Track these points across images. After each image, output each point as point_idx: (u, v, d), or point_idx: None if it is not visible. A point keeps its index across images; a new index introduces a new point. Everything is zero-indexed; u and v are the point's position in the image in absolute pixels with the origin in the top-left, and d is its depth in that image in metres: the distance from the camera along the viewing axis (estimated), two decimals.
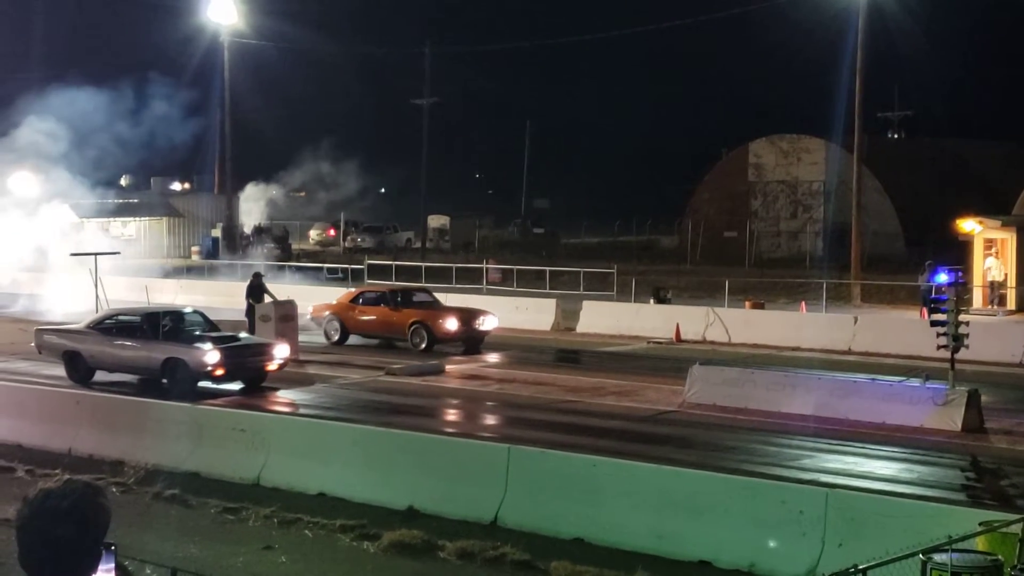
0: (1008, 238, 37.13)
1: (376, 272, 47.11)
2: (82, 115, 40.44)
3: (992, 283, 36.02)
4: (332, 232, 73.91)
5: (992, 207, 42.73)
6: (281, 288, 32.85)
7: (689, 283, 43.70)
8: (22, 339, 28.52)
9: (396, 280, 44.35)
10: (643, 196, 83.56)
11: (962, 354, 19.72)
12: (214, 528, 13.22)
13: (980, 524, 9.65)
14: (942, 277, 20.41)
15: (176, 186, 76.78)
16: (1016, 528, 9.24)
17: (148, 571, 10.35)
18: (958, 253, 37.18)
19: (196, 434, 16.10)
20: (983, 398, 19.09)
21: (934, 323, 19.64)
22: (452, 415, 20.86)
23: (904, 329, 28.69)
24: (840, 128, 50.15)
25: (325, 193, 63.18)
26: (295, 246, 65.93)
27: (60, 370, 23.76)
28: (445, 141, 79.43)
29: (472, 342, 28.45)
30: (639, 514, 12.44)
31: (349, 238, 70.87)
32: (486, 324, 28.71)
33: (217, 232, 62.96)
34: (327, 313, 30.03)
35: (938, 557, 8.40)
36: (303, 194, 67.81)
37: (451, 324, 27.98)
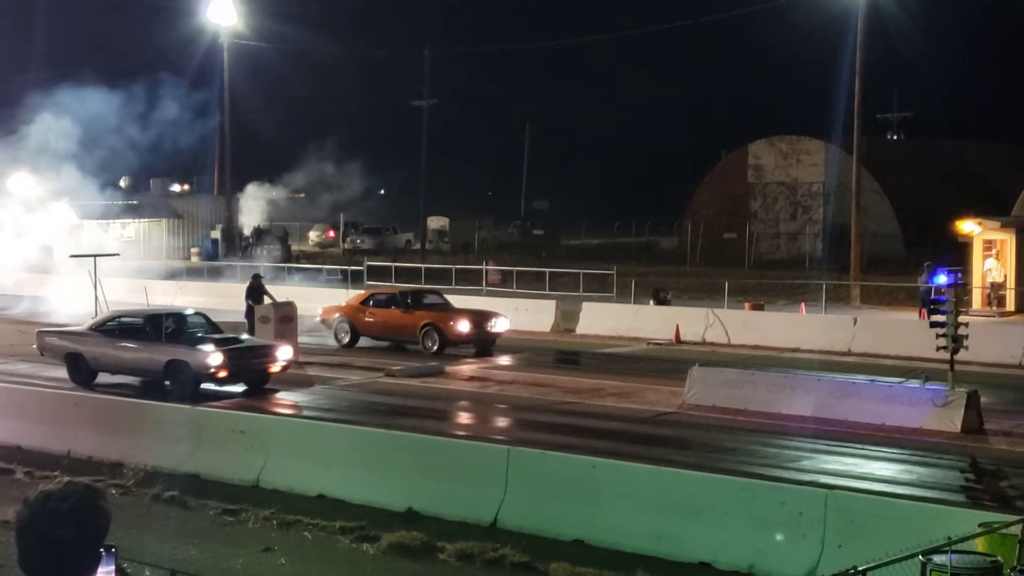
0: (1007, 239, 37.14)
1: (375, 273, 47.09)
2: (81, 116, 40.43)
3: (992, 284, 36.03)
4: (331, 234, 73.90)
5: (991, 208, 42.72)
6: (280, 289, 32.84)
7: (689, 284, 43.70)
8: (22, 341, 28.52)
9: (396, 281, 44.34)
10: (643, 197, 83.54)
11: (961, 355, 19.74)
12: (213, 530, 13.22)
13: (979, 525, 9.66)
14: (941, 278, 20.41)
15: (176, 187, 76.76)
16: (1015, 529, 9.24)
17: (147, 573, 10.36)
18: (957, 254, 37.22)
19: (195, 436, 16.09)
20: (982, 399, 19.09)
21: (933, 324, 19.65)
22: (452, 417, 20.85)
23: (903, 330, 28.69)
24: (839, 129, 50.16)
25: (325, 195, 63.17)
26: (295, 247, 65.92)
27: (60, 372, 23.76)
28: (444, 142, 79.39)
29: (483, 344, 28.26)
30: (639, 515, 12.44)
31: (348, 239, 70.85)
32: (498, 326, 28.55)
33: (217, 233, 62.96)
34: (337, 315, 29.79)
35: (937, 558, 8.40)
36: (303, 195, 67.79)
37: (463, 326, 27.79)
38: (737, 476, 13.87)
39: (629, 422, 19.82)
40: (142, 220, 64.22)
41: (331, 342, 29.56)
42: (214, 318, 24.54)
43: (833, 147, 56.49)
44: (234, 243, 60.28)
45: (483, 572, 11.72)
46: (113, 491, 14.10)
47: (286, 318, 27.06)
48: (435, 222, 71.98)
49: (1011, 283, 36.06)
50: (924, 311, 30.00)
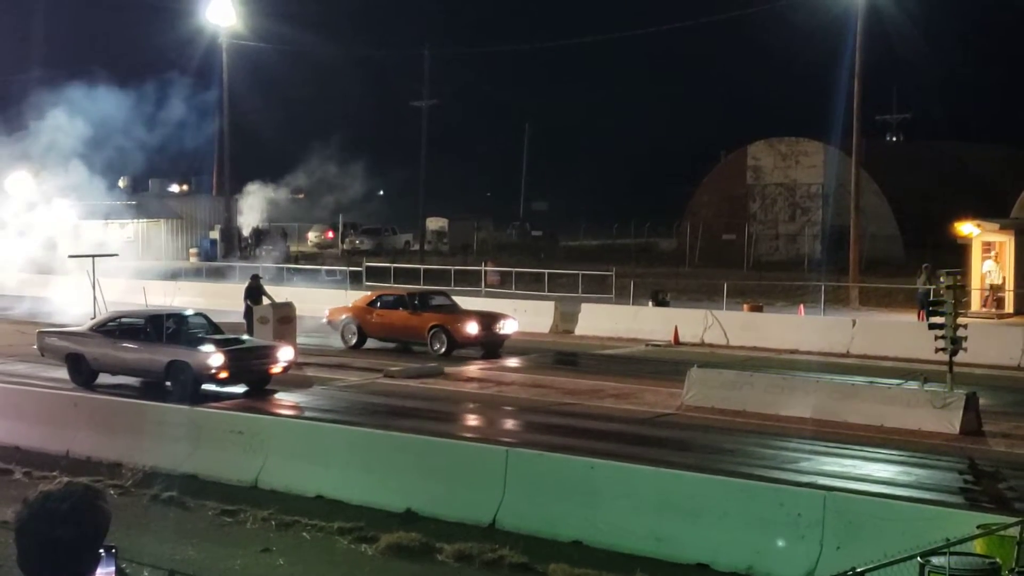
0: (1007, 241, 37.14)
1: (374, 274, 47.10)
2: (79, 117, 40.41)
3: (991, 286, 36.04)
4: (330, 234, 73.89)
5: (991, 210, 42.73)
6: (279, 290, 32.83)
7: (687, 286, 43.71)
8: (21, 341, 28.52)
9: (395, 282, 44.35)
10: (642, 198, 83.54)
11: (960, 357, 19.74)
12: (212, 530, 13.22)
13: (978, 527, 9.66)
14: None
15: (174, 188, 76.73)
16: (1014, 531, 9.24)
17: (146, 573, 10.35)
18: (956, 256, 37.22)
19: (194, 436, 16.09)
20: (981, 401, 19.11)
21: (932, 326, 19.65)
22: (450, 418, 20.83)
23: (902, 332, 28.71)
24: (839, 131, 50.20)
25: (324, 195, 63.15)
26: (294, 248, 65.91)
27: (58, 372, 23.75)
28: (444, 143, 79.39)
29: (492, 346, 28.14)
30: (637, 516, 12.44)
31: (347, 240, 70.84)
32: (506, 328, 28.42)
33: (215, 234, 62.94)
34: (344, 316, 29.65)
35: (936, 560, 8.40)
36: (302, 196, 67.78)
37: (472, 328, 27.65)
38: (736, 477, 13.87)
39: (628, 423, 19.82)
40: (141, 220, 64.20)
41: (334, 343, 29.52)
42: (213, 319, 24.53)
43: (832, 148, 56.52)
44: (233, 244, 60.25)
45: (482, 573, 11.71)
46: (111, 491, 14.08)
47: (285, 319, 27.04)
48: (434, 223, 71.97)
49: (1010, 285, 36.07)
50: (923, 313, 30.04)
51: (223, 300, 35.20)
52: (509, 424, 20.61)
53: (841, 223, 48.56)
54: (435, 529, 12.85)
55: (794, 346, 28.76)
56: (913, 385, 19.89)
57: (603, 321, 32.76)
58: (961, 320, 19.41)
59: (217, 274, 48.50)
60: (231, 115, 57.94)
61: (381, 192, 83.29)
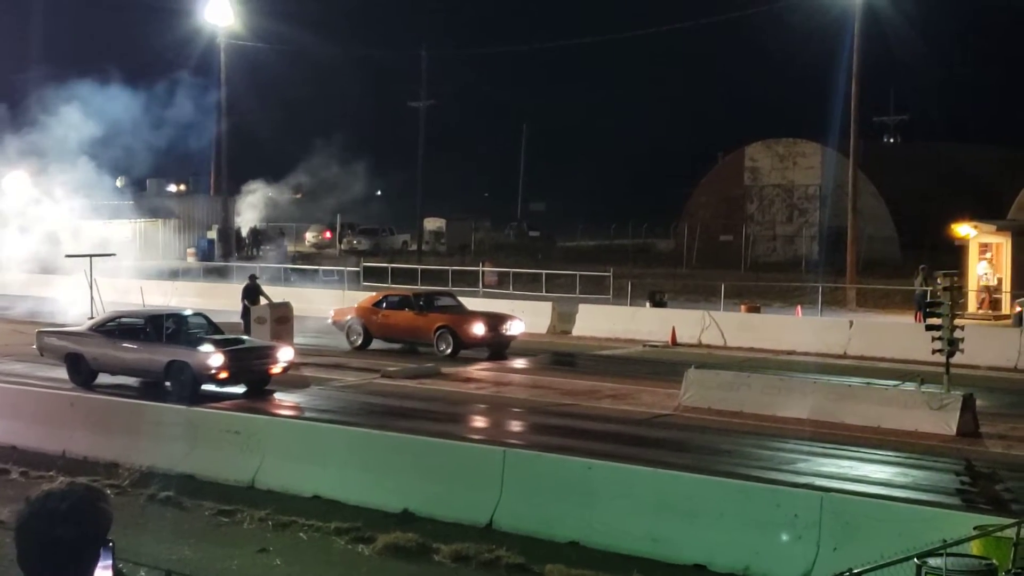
0: (1003, 242, 37.17)
1: (372, 275, 47.09)
2: (76, 117, 40.38)
3: (986, 288, 36.06)
4: (328, 235, 73.86)
5: (988, 211, 42.78)
6: (277, 290, 32.83)
7: (685, 286, 43.72)
8: (18, 341, 28.52)
9: (392, 283, 44.33)
10: (639, 199, 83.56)
11: (957, 358, 19.76)
12: (209, 530, 13.21)
13: (974, 528, 9.67)
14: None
15: (172, 188, 76.70)
16: (1010, 532, 9.25)
17: (143, 573, 10.35)
18: (953, 257, 37.25)
19: (191, 436, 16.08)
20: (978, 402, 19.12)
21: (929, 327, 19.66)
22: (448, 418, 20.82)
23: (899, 333, 28.73)
24: (836, 132, 50.20)
25: (322, 195, 63.14)
26: (291, 248, 65.89)
27: (55, 372, 23.73)
28: (442, 143, 79.40)
29: (498, 347, 28.03)
30: (634, 517, 12.44)
31: (345, 240, 70.83)
32: (512, 329, 28.32)
33: (213, 234, 62.89)
34: (349, 317, 29.48)
35: (932, 561, 8.40)
36: (300, 196, 67.78)
37: (478, 329, 27.52)
38: (733, 478, 13.88)
39: (625, 424, 19.83)
40: (138, 220, 64.15)
41: (332, 343, 29.47)
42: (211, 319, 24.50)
43: (830, 150, 56.54)
44: (230, 244, 60.22)
45: (479, 573, 11.72)
46: (108, 491, 14.05)
47: (282, 319, 27.06)
48: (432, 223, 71.95)
49: (1007, 286, 36.09)
50: (920, 314, 30.07)
51: (220, 300, 35.18)
52: (506, 424, 20.61)
53: (838, 224, 48.60)
54: (432, 529, 12.85)
55: (791, 347, 28.77)
56: (910, 386, 19.90)
57: (600, 322, 32.75)
58: (958, 321, 19.42)
59: (215, 274, 48.49)
60: (229, 115, 57.91)
61: (379, 192, 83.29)
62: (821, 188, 58.67)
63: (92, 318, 27.56)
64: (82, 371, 23.08)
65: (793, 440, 18.23)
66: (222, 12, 54.99)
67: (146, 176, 69.41)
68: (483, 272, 46.30)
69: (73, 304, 32.60)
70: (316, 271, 49.17)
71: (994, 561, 8.81)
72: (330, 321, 29.97)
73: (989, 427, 18.96)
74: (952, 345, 19.24)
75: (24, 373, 24.44)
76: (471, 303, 32.29)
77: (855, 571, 8.02)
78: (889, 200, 56.42)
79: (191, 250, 63.02)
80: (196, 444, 15.90)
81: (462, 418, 21.04)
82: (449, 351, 27.45)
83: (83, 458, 16.39)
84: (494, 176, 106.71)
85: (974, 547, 9.21)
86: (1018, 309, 32.38)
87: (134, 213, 63.74)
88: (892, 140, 75.35)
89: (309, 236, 74.81)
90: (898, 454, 17.28)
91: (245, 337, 24.38)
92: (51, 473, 14.93)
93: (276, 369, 22.48)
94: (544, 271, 44.72)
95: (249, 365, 22.26)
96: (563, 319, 33.75)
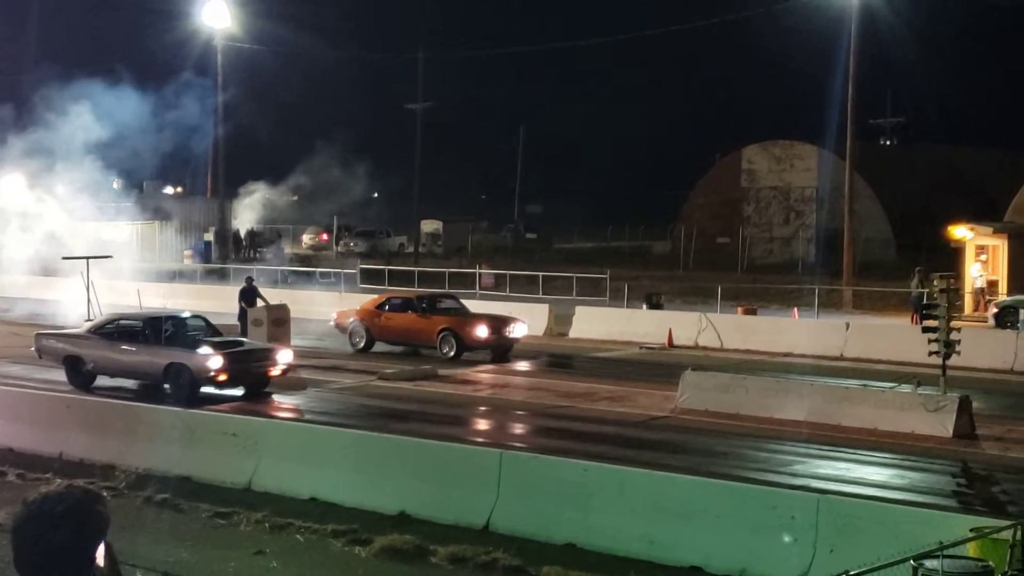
0: (1000, 245, 37.23)
1: (369, 277, 47.07)
2: (73, 119, 40.37)
3: (979, 290, 36.09)
4: (325, 237, 73.84)
5: (984, 214, 42.84)
6: (277, 292, 32.83)
7: (682, 288, 43.73)
8: (15, 343, 28.50)
9: (389, 285, 44.33)
10: (636, 201, 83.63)
11: (953, 360, 19.77)
12: (205, 533, 13.20)
13: (971, 530, 9.68)
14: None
15: (169, 190, 76.64)
16: (1007, 534, 9.26)
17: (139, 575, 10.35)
18: (950, 260, 37.30)
19: (187, 438, 16.06)
20: (974, 404, 19.13)
21: (926, 329, 19.67)
22: (444, 420, 20.81)
23: (896, 335, 28.75)
24: (833, 134, 50.28)
25: (319, 197, 63.14)
26: (288, 250, 65.87)
27: (52, 374, 23.71)
28: (439, 145, 79.45)
29: (501, 350, 27.95)
30: (631, 519, 12.44)
31: (342, 243, 70.82)
32: (516, 331, 28.22)
33: (210, 236, 62.85)
34: (352, 319, 29.35)
35: (929, 563, 8.41)
36: (296, 198, 67.78)
37: (482, 331, 27.42)
38: (729, 480, 13.88)
39: (622, 426, 19.83)
40: (135, 222, 64.05)
41: (330, 345, 29.44)
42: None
43: (826, 152, 56.60)
44: (227, 246, 60.19)
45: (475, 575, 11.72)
46: (105, 493, 14.03)
47: (279, 321, 27.05)
48: (428, 225, 71.99)
49: (1003, 288, 36.13)
50: (916, 316, 30.08)
51: (217, 302, 35.16)
52: (503, 426, 20.60)
53: (835, 226, 48.63)
54: (429, 532, 12.84)
55: (788, 349, 28.78)
56: (906, 388, 19.89)
57: (597, 324, 32.76)
58: (954, 323, 19.43)
59: (212, 276, 48.47)
60: (226, 117, 57.90)
61: (376, 195, 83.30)
62: (818, 190, 58.73)
63: (89, 320, 27.54)
64: (81, 373, 23.03)
65: (790, 442, 18.23)
66: (219, 14, 54.98)
67: (142, 178, 69.32)
68: (480, 274, 46.30)
69: (73, 306, 32.59)
70: (313, 273, 49.16)
71: (991, 563, 8.82)
72: (332, 324, 29.91)
73: (985, 429, 18.97)
74: (948, 347, 19.25)
75: (21, 375, 24.41)
76: (468, 305, 32.31)
77: (851, 573, 8.02)
78: (886, 202, 56.49)
79: (188, 252, 62.99)
80: (193, 446, 15.88)
81: (459, 420, 21.03)
82: (452, 354, 27.36)
83: (80, 460, 16.36)
84: (491, 178, 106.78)
85: (971, 549, 9.22)
86: (995, 310, 32.50)
87: (130, 215, 63.66)
88: (889, 142, 75.44)
89: (306, 238, 74.81)
90: (894, 456, 17.29)
91: (244, 339, 24.35)
92: (48, 475, 14.91)
93: (275, 371, 22.46)
94: (541, 273, 44.73)
95: (248, 367, 22.22)
96: (560, 321, 33.74)
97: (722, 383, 21.08)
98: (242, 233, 64.39)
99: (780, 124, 70.53)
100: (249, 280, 30.75)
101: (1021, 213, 44.05)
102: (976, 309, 35.49)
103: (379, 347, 28.91)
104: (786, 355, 28.36)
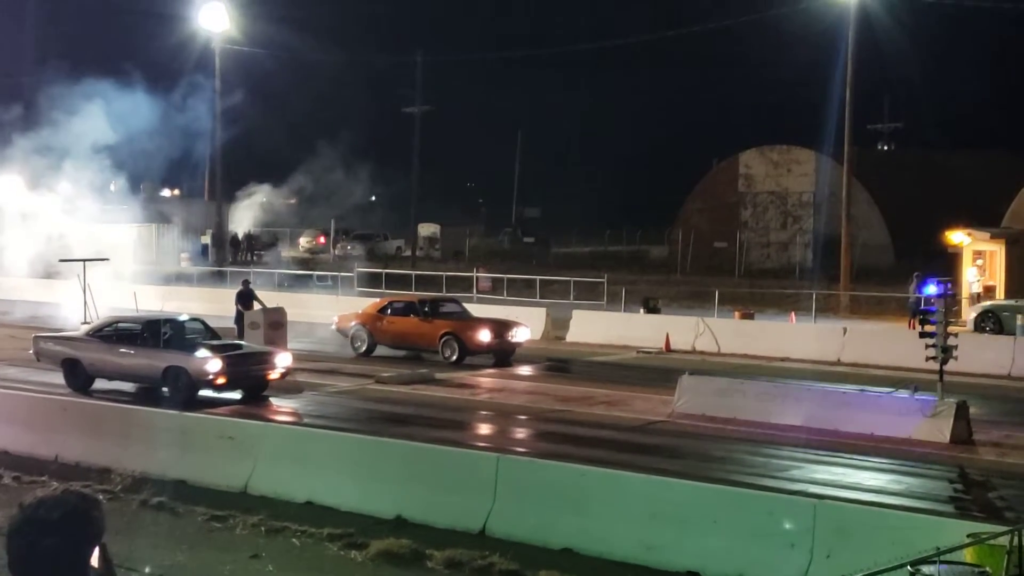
0: (997, 250, 37.25)
1: (366, 280, 47.05)
2: (72, 121, 40.35)
3: (975, 295, 36.10)
4: (322, 240, 73.82)
5: (981, 219, 42.85)
6: (270, 295, 32.79)
7: (679, 293, 43.75)
8: (11, 346, 28.47)
9: (386, 288, 44.30)
10: (634, 206, 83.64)
11: (951, 366, 19.75)
12: (201, 536, 13.18)
13: (968, 536, 9.67)
14: (931, 288, 20.44)
15: (166, 192, 76.62)
16: (1004, 540, 9.25)
17: None
18: (947, 264, 37.31)
19: (183, 441, 16.03)
20: (972, 410, 19.12)
21: (923, 334, 19.67)
22: (441, 423, 20.79)
23: (893, 340, 28.75)
24: (830, 139, 50.36)
25: (317, 200, 63.11)
26: (285, 253, 65.83)
27: (48, 376, 23.67)
28: (436, 149, 79.45)
29: (503, 354, 27.83)
30: (627, 524, 12.43)
31: (339, 246, 70.80)
32: (518, 336, 28.14)
33: (207, 239, 62.81)
34: (353, 323, 29.25)
35: (926, 569, 8.40)
36: (294, 201, 67.73)
37: (484, 336, 27.33)
38: (726, 485, 13.87)
39: (619, 430, 19.81)
40: (132, 225, 64.00)
41: (327, 349, 29.39)
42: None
43: (823, 157, 56.66)
44: (224, 248, 60.15)
45: None
46: (101, 497, 14.00)
47: (275, 324, 27.01)
48: (426, 229, 72.00)
49: (1000, 294, 36.15)
50: (914, 321, 30.09)
51: (214, 305, 35.10)
52: (500, 430, 20.58)
53: (832, 231, 48.68)
54: (425, 536, 12.82)
55: (785, 354, 28.79)
56: (904, 394, 19.90)
57: (594, 328, 32.76)
58: (951, 329, 19.43)
59: (209, 279, 48.43)
60: (224, 120, 57.84)
61: (373, 198, 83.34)
62: (815, 195, 58.78)
63: (86, 323, 27.51)
64: (79, 376, 22.98)
65: (787, 447, 18.22)
66: (217, 17, 54.97)
67: (140, 180, 69.26)
68: (477, 278, 46.29)
69: (73, 309, 32.56)
70: (310, 276, 49.12)
71: (988, 569, 8.81)
72: (333, 327, 29.85)
73: (983, 435, 18.97)
74: (946, 352, 19.24)
75: (17, 377, 24.37)
76: (469, 309, 32.31)
77: None
78: (883, 207, 56.54)
79: (185, 255, 62.93)
80: (189, 449, 15.86)
81: (456, 424, 21.00)
82: (454, 358, 27.30)
83: (76, 463, 16.33)
84: (489, 182, 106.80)
85: (968, 555, 9.21)
86: (973, 314, 32.54)
87: (128, 217, 63.62)
88: (886, 147, 75.47)
89: (303, 241, 74.77)
90: (892, 461, 17.28)
91: (243, 343, 24.32)
92: (43, 478, 14.87)
93: (274, 375, 22.42)
94: (538, 277, 44.73)
95: (247, 371, 22.17)
96: (557, 325, 33.73)
97: (719, 388, 21.08)
98: (240, 236, 64.31)
99: (777, 129, 70.62)
100: (245, 283, 30.72)
101: (1018, 218, 44.06)
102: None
103: (381, 351, 28.88)
104: (783, 360, 28.36)
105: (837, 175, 47.87)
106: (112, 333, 23.29)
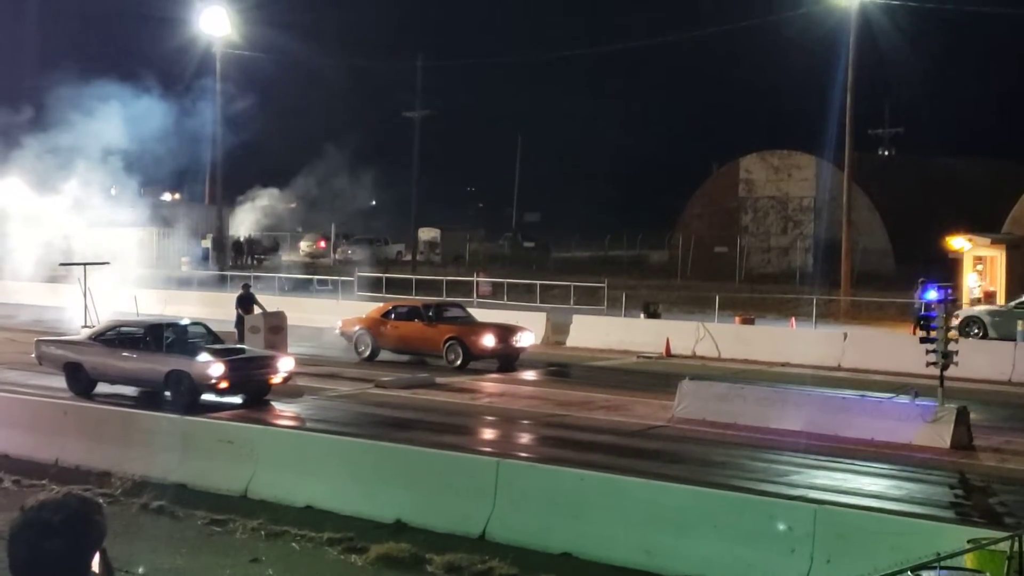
0: (997, 255, 37.26)
1: (367, 284, 47.04)
2: (71, 125, 40.39)
3: (975, 300, 36.10)
4: (322, 244, 73.83)
5: (982, 224, 42.87)
6: (270, 299, 32.78)
7: (679, 298, 43.74)
8: (12, 350, 28.47)
9: (387, 293, 44.31)
10: (634, 210, 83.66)
11: (951, 371, 19.75)
12: (201, 540, 13.17)
13: (968, 541, 9.67)
14: (931, 294, 20.45)
15: (166, 196, 76.65)
16: (1004, 546, 9.24)
17: None
18: (948, 270, 37.32)
19: (184, 445, 16.03)
20: (972, 415, 19.13)
21: (924, 340, 19.67)
22: (441, 428, 20.78)
23: (893, 345, 28.76)
24: (831, 145, 50.35)
25: (318, 204, 63.14)
26: (285, 257, 65.87)
27: (49, 380, 23.66)
28: (437, 154, 79.49)
29: (507, 359, 27.78)
30: (627, 529, 12.42)
31: (339, 250, 70.81)
32: (522, 340, 28.09)
33: (207, 243, 62.83)
34: (357, 328, 29.19)
35: (926, 574, 8.40)
36: (294, 205, 67.77)
37: (488, 340, 27.25)
38: (726, 490, 13.86)
39: (619, 435, 19.81)
40: (132, 229, 63.98)
41: (328, 353, 29.37)
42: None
43: (824, 162, 56.65)
44: (225, 253, 60.17)
45: None
46: (101, 500, 13.99)
47: (276, 328, 27.01)
48: (426, 233, 71.96)
49: (1000, 299, 36.14)
50: (917, 327, 30.06)
51: (215, 309, 35.07)
52: (499, 435, 20.58)
53: (833, 236, 48.67)
54: (425, 540, 12.81)
55: (785, 359, 28.78)
56: (904, 399, 19.90)
57: (595, 333, 32.75)
58: (952, 334, 19.44)
59: (209, 283, 48.45)
60: (224, 124, 57.86)
61: (374, 202, 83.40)
62: (815, 200, 58.75)
63: (87, 326, 27.50)
64: (81, 380, 22.97)
65: (787, 452, 18.22)
66: (218, 22, 55.02)
67: (140, 185, 69.24)
68: (477, 282, 46.29)
69: (76, 313, 32.56)
70: (310, 280, 49.13)
71: (988, 574, 8.80)
72: (337, 332, 29.81)
73: (983, 440, 18.97)
74: (946, 358, 19.24)
75: (17, 381, 24.37)
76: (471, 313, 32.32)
77: None
78: (884, 212, 56.51)
79: (185, 259, 62.94)
80: (189, 453, 15.85)
81: (456, 428, 20.99)
82: (458, 363, 27.24)
83: (76, 467, 16.32)
84: (489, 186, 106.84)
85: (968, 560, 9.21)
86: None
87: (128, 222, 63.58)
88: (887, 153, 75.47)
89: (303, 245, 74.78)
90: (892, 467, 17.28)
91: (245, 347, 24.30)
92: (43, 482, 14.86)
93: (276, 379, 22.41)
94: (538, 282, 44.75)
95: (249, 375, 22.16)
96: (557, 330, 33.73)
97: (719, 392, 21.07)
98: (241, 240, 64.33)
99: (778, 134, 70.66)
100: (246, 287, 30.72)
101: (1019, 224, 44.09)
102: None
103: (385, 355, 28.84)
104: (784, 365, 28.36)
105: (838, 180, 47.88)
106: (114, 337, 23.26)
